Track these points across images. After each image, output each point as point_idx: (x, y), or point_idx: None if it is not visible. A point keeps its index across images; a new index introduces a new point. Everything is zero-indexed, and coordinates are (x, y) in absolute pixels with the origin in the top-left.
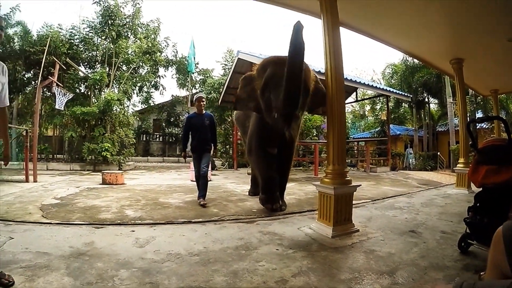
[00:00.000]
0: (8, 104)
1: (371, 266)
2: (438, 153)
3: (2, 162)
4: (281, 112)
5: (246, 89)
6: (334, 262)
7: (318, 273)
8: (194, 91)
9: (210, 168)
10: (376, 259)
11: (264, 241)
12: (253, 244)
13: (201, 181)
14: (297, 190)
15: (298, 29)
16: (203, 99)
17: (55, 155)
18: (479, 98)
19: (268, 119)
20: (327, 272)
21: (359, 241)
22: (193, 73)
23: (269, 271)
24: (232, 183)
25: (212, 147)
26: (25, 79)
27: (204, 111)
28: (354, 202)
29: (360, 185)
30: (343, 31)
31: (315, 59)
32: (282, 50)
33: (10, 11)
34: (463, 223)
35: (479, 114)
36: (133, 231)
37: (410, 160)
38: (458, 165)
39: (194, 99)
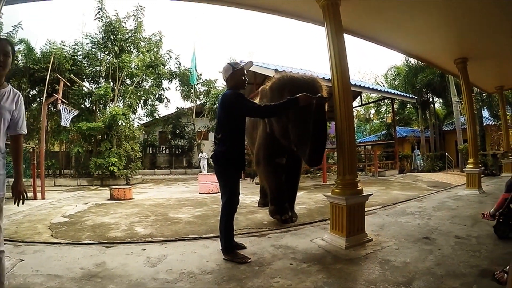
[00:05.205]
0: (25, 132)
1: (387, 278)
2: (446, 153)
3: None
4: (306, 162)
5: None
6: (349, 275)
7: None
8: (198, 102)
9: None
10: (391, 269)
11: (278, 256)
12: (266, 259)
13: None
14: (306, 199)
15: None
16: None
17: (62, 171)
18: (484, 95)
19: (282, 141)
20: (343, 286)
21: (373, 251)
22: (196, 84)
23: (284, 287)
24: (241, 194)
25: None
26: (30, 96)
27: None
28: (365, 209)
29: (372, 194)
30: (345, 36)
31: (319, 64)
32: (292, 59)
33: (13, 29)
34: (476, 226)
35: (485, 112)
36: (144, 249)
37: (418, 161)
38: (467, 166)
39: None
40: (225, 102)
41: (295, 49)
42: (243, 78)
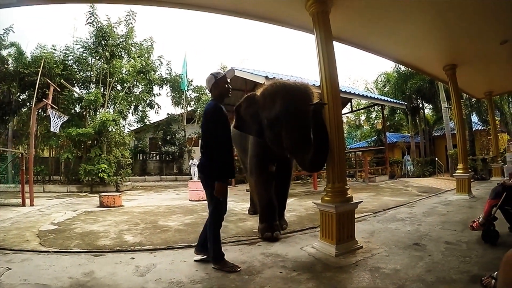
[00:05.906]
0: None
1: (377, 285)
2: (436, 158)
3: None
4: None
5: (249, 111)
6: (339, 283)
7: None
8: (189, 108)
9: None
10: (382, 277)
11: (267, 264)
12: (256, 268)
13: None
14: (297, 206)
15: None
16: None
17: (51, 177)
18: (473, 100)
19: (275, 148)
20: None
21: (363, 259)
22: (186, 90)
23: None
24: (231, 201)
25: None
26: (20, 100)
27: None
28: (355, 216)
29: (361, 201)
30: (335, 43)
31: (310, 71)
32: (283, 66)
33: (4, 32)
34: (467, 232)
35: (474, 117)
36: (133, 258)
37: (408, 167)
38: (457, 171)
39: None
40: (207, 114)
41: (286, 56)
42: (227, 86)
